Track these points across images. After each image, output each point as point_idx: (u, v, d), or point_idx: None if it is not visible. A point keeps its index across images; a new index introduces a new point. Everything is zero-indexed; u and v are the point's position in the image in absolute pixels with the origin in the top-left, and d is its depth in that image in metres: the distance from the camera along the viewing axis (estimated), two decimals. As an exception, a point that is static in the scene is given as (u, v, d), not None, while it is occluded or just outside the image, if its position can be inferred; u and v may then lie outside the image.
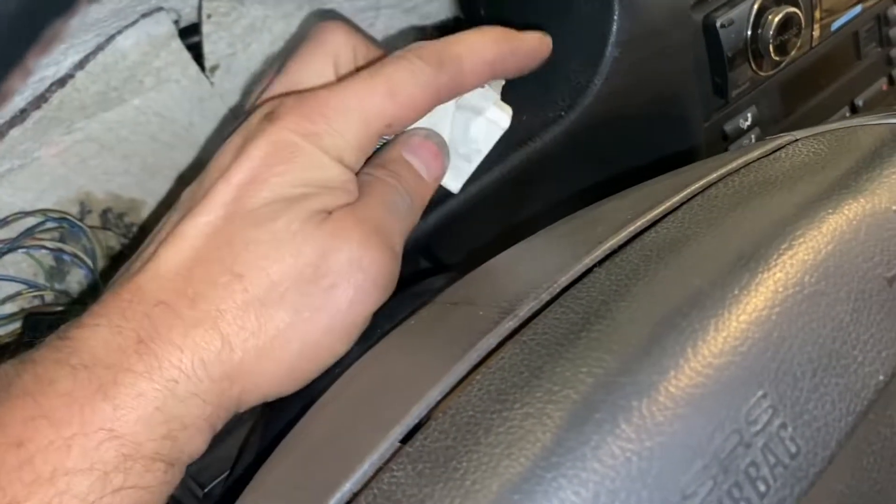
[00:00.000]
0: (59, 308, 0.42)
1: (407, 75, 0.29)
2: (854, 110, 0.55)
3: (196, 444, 0.26)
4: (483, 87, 0.35)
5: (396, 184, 0.30)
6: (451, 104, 0.34)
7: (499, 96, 0.37)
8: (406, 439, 0.20)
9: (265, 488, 0.22)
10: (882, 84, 0.57)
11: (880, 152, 0.25)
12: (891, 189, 0.24)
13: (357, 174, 0.30)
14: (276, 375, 0.27)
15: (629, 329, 0.20)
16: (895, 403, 0.23)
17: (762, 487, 0.19)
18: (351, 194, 0.28)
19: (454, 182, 0.36)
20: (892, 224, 0.23)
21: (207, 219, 0.26)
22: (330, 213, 0.28)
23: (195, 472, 0.38)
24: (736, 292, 0.20)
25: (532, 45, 0.35)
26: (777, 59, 0.47)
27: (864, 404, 0.21)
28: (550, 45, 0.36)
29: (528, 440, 0.18)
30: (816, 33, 0.49)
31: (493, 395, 0.20)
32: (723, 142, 0.49)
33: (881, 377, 0.22)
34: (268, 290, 0.26)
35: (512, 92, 0.45)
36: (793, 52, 0.48)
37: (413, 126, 0.33)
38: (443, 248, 0.44)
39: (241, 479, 0.31)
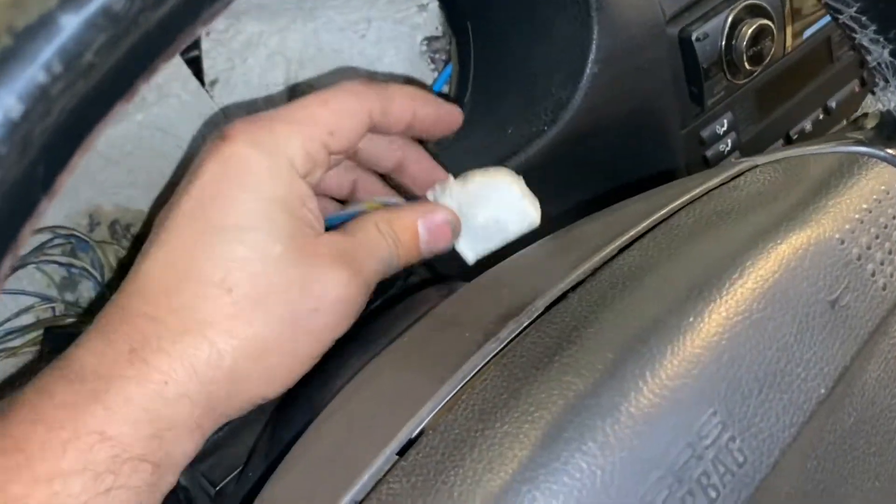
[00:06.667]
0: (72, 320, 0.44)
1: (337, 89, 0.32)
2: (827, 112, 0.57)
3: (184, 445, 0.28)
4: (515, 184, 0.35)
5: (393, 246, 0.33)
6: (486, 189, 0.35)
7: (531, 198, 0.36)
8: (401, 452, 0.23)
9: (274, 498, 0.24)
10: (855, 86, 0.60)
11: (827, 182, 0.28)
12: (835, 218, 0.26)
13: (359, 217, 0.32)
14: (263, 380, 0.29)
15: (595, 354, 0.22)
16: (837, 412, 0.25)
17: (713, 494, 0.21)
18: (312, 212, 0.31)
19: (470, 253, 0.37)
20: (835, 251, 0.26)
21: (180, 235, 0.29)
22: (308, 236, 0.30)
23: (207, 470, 0.41)
24: (690, 320, 0.23)
25: (449, 108, 0.36)
26: (751, 68, 0.49)
27: (807, 416, 0.24)
28: (461, 118, 0.37)
29: (507, 457, 0.21)
30: (789, 41, 0.51)
31: (476, 414, 0.22)
32: (700, 147, 0.51)
33: (822, 391, 0.24)
34: (256, 302, 0.28)
35: (498, 108, 0.47)
36: (766, 61, 0.50)
37: (452, 201, 0.35)
38: (439, 258, 0.46)
39: (251, 481, 0.34)
